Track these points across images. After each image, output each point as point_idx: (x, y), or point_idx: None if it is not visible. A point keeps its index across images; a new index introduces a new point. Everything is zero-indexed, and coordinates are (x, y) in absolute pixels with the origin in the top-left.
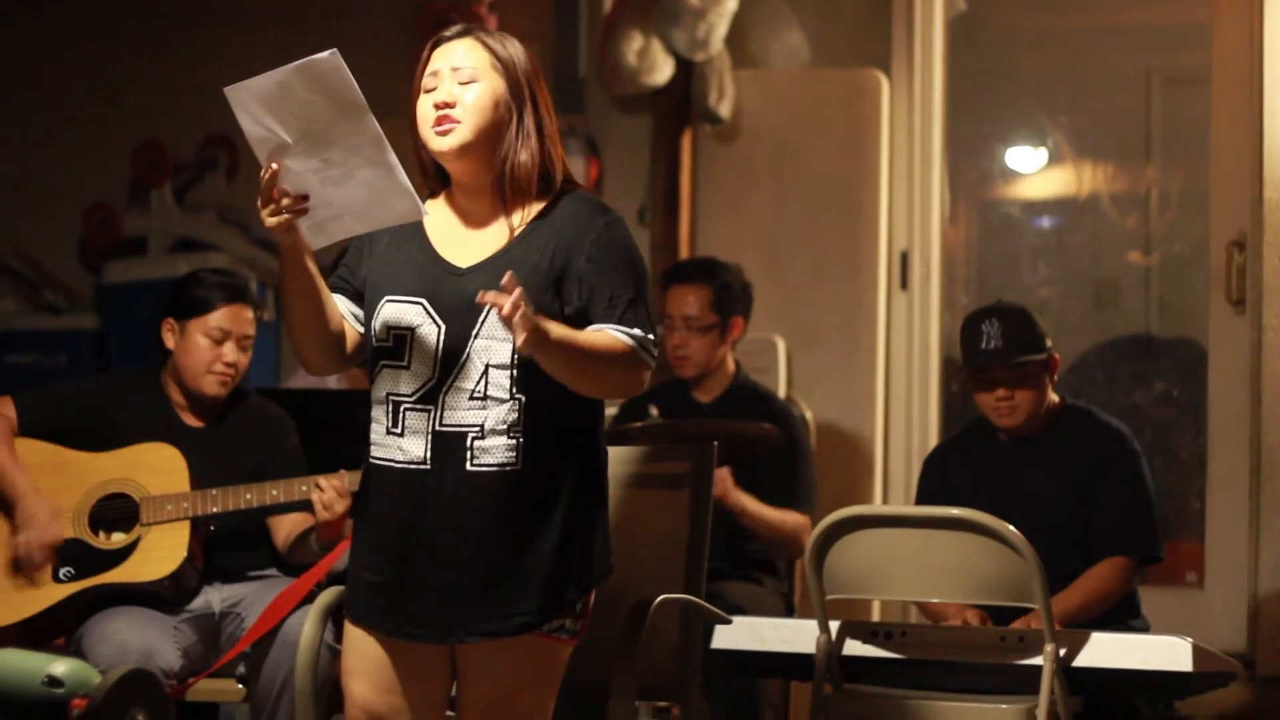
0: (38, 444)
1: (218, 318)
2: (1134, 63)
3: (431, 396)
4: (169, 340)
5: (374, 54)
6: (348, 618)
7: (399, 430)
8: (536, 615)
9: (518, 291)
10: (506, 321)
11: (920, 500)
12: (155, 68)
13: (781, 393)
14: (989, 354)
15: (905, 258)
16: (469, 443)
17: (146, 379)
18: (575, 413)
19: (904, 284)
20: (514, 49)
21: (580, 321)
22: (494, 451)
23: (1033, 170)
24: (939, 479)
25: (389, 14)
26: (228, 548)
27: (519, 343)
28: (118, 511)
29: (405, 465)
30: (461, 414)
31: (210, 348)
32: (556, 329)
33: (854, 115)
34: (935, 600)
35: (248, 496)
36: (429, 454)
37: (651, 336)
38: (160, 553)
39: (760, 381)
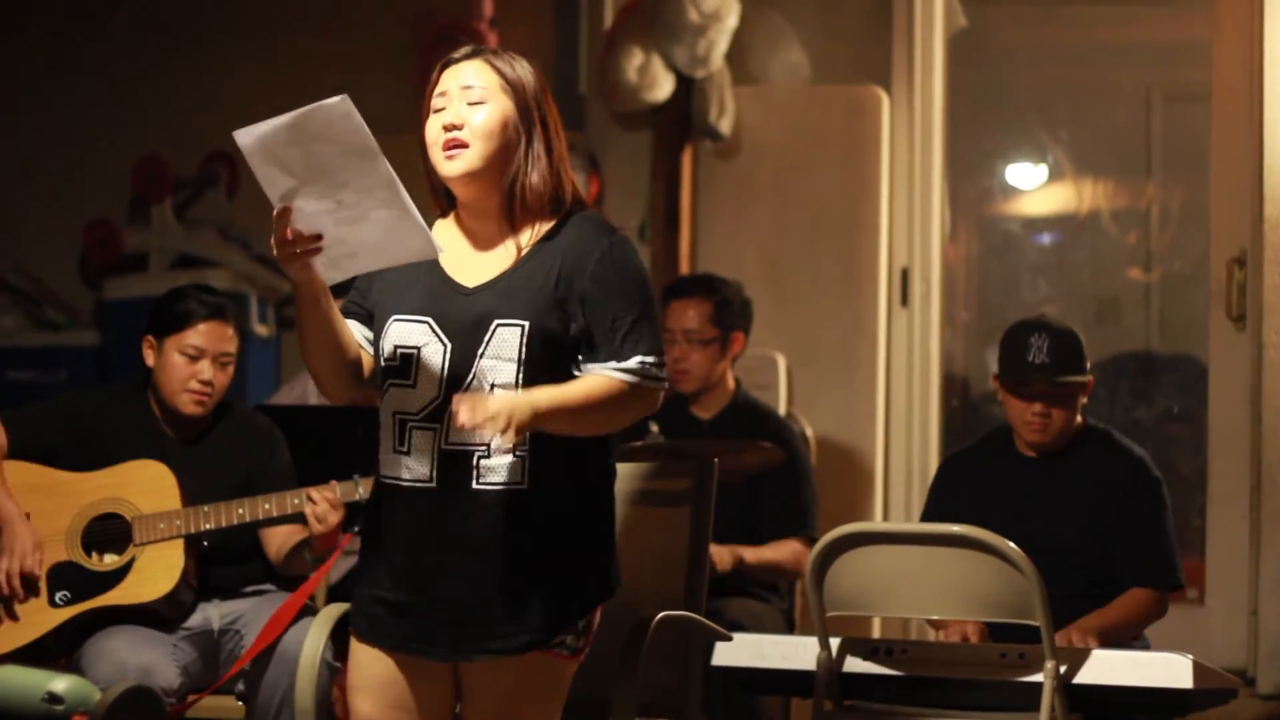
0: (27, 466)
1: (194, 335)
2: (1134, 79)
3: (437, 415)
4: (149, 357)
5: (375, 68)
6: (354, 634)
7: (405, 449)
8: (542, 633)
9: (482, 420)
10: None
11: (931, 504)
12: (157, 83)
13: (782, 409)
14: (1035, 369)
15: (905, 274)
16: (475, 461)
17: (132, 395)
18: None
19: (904, 300)
20: (522, 70)
21: (585, 342)
22: (500, 470)
23: (1033, 187)
24: (952, 486)
25: (390, 29)
26: (222, 562)
27: (500, 442)
28: (110, 532)
29: (412, 484)
30: (467, 433)
31: (185, 365)
32: (545, 400)
33: (854, 132)
34: (936, 617)
35: (240, 511)
36: (435, 473)
37: (653, 359)
38: (156, 572)
39: (760, 398)
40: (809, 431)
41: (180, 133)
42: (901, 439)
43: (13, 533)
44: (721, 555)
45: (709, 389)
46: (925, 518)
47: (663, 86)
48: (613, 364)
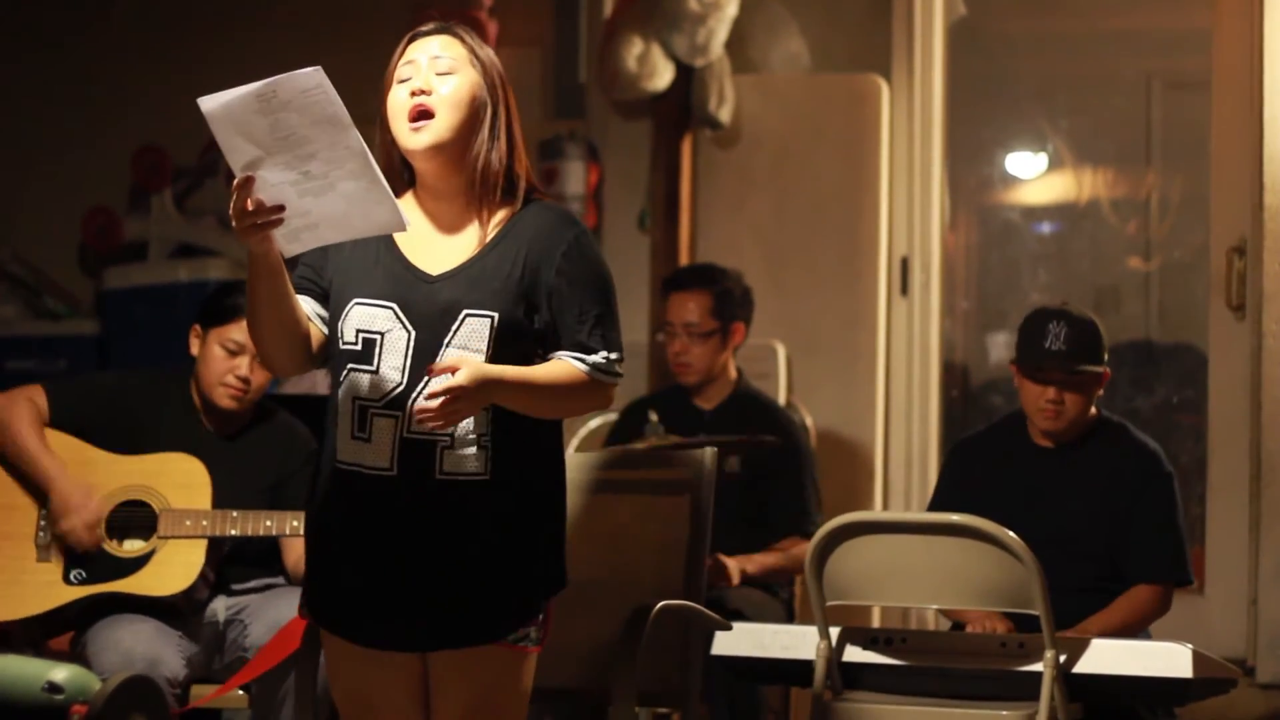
0: (64, 438)
1: (237, 330)
2: (1134, 68)
3: (399, 403)
4: (193, 346)
5: (374, 58)
6: (319, 623)
7: (365, 435)
8: (504, 624)
9: (448, 386)
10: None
11: (942, 489)
12: (156, 72)
13: (782, 399)
14: (1051, 355)
15: (905, 263)
16: (438, 451)
17: (177, 382)
18: (543, 423)
19: (904, 290)
20: (490, 51)
21: (549, 334)
22: (463, 461)
23: (1033, 176)
24: (964, 472)
25: (388, 19)
26: (238, 562)
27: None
28: (136, 519)
29: (372, 471)
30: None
31: (224, 358)
32: (510, 374)
33: (854, 121)
34: (935, 606)
35: (267, 523)
36: (396, 461)
37: (615, 355)
38: (175, 568)
39: (761, 389)
40: (809, 421)
41: (180, 122)
42: (901, 428)
43: (60, 491)
44: (732, 569)
45: (711, 380)
46: (936, 502)
47: (662, 75)
48: (578, 354)
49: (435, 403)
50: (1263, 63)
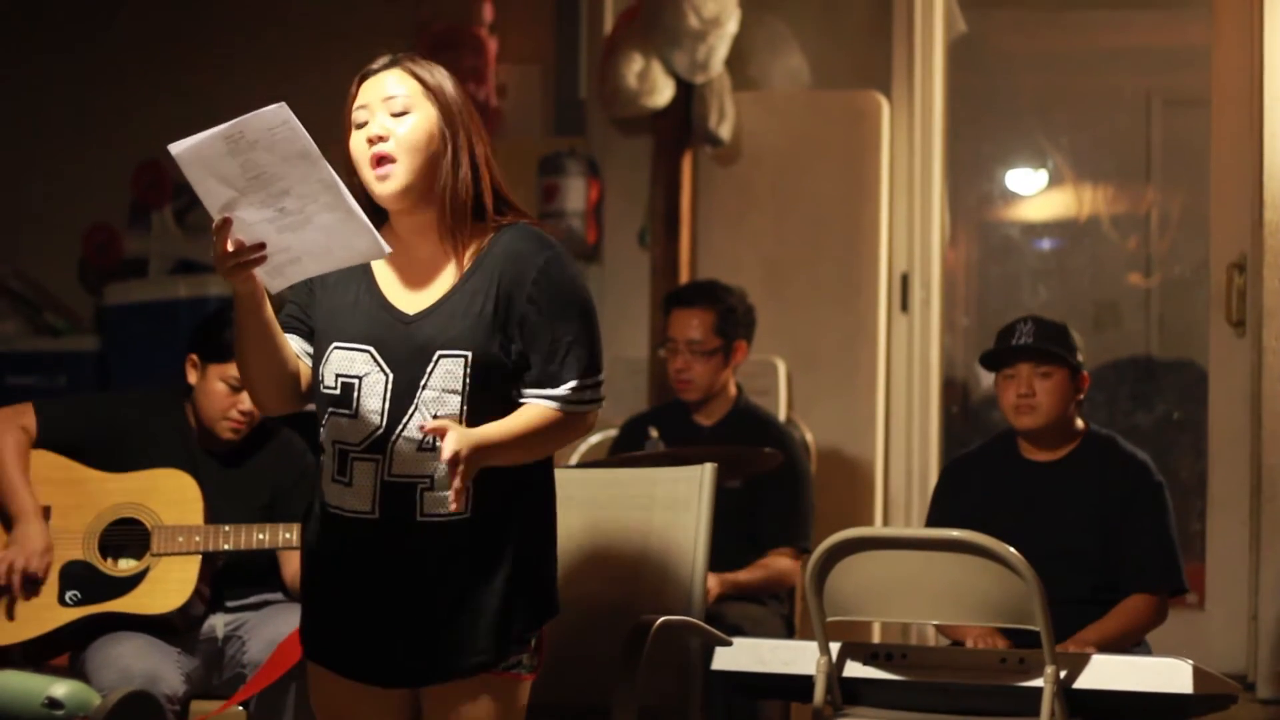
0: (54, 458)
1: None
2: (1134, 84)
3: (379, 446)
4: (191, 375)
5: None
6: (314, 661)
7: (346, 479)
8: (490, 655)
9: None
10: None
11: (935, 508)
12: (156, 88)
13: (782, 414)
14: (1016, 348)
15: (905, 279)
16: (418, 493)
17: (170, 402)
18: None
19: (904, 306)
20: (441, 76)
21: (522, 363)
22: (444, 502)
23: (1033, 192)
24: (956, 490)
25: (391, 35)
26: (235, 581)
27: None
28: (128, 537)
29: (354, 514)
30: (410, 464)
31: (227, 394)
32: (490, 437)
33: (854, 137)
34: (936, 622)
35: (260, 537)
36: (377, 504)
37: (590, 379)
38: (169, 585)
39: (761, 404)
40: (809, 437)
41: (180, 137)
42: (901, 444)
43: (25, 531)
44: (711, 585)
45: (710, 397)
46: (929, 522)
47: (663, 92)
48: (547, 391)
49: (455, 487)
50: (1262, 79)
